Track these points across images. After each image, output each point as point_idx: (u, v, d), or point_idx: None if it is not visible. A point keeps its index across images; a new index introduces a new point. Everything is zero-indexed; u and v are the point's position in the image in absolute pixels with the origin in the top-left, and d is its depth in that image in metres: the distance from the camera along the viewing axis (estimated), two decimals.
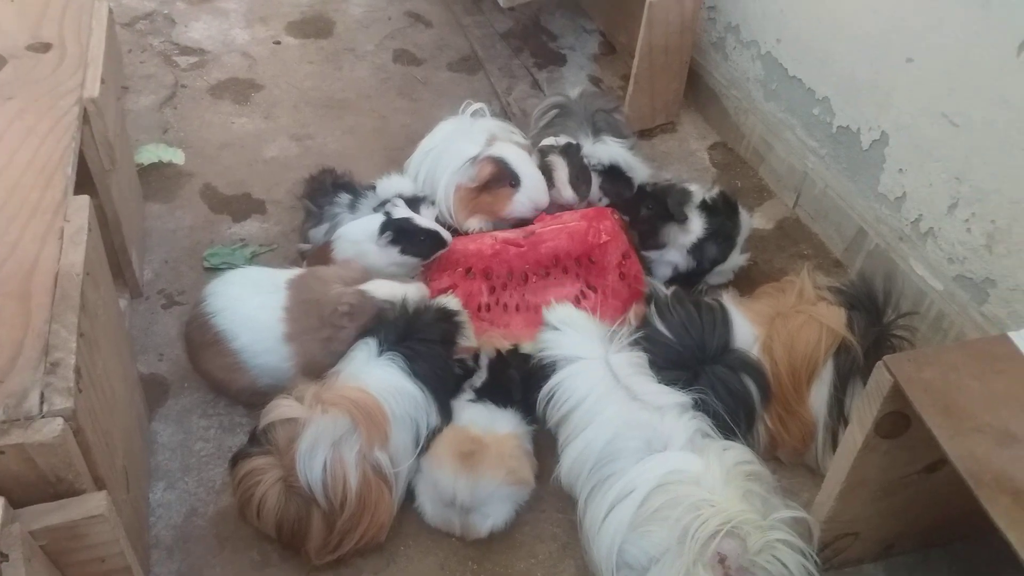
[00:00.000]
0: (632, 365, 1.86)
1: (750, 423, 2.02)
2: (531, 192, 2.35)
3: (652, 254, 2.44)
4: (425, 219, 2.23)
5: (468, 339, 2.07)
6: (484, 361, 2.06)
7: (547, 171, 2.41)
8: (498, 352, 2.05)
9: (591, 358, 1.87)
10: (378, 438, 1.77)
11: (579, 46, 3.55)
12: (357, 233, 2.23)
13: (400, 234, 2.19)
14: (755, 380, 2.00)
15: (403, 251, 2.20)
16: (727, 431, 1.90)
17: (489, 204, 2.37)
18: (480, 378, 2.03)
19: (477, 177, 2.35)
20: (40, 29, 2.17)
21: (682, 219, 2.36)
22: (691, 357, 1.99)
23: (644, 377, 1.85)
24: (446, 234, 2.23)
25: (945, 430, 1.38)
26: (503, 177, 2.34)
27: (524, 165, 2.36)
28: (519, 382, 1.98)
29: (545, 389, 1.88)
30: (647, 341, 2.01)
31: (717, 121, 3.15)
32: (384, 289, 2.07)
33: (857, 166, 2.54)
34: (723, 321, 2.04)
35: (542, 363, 1.92)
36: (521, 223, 2.37)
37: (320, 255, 2.31)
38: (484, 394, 1.98)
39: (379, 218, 2.21)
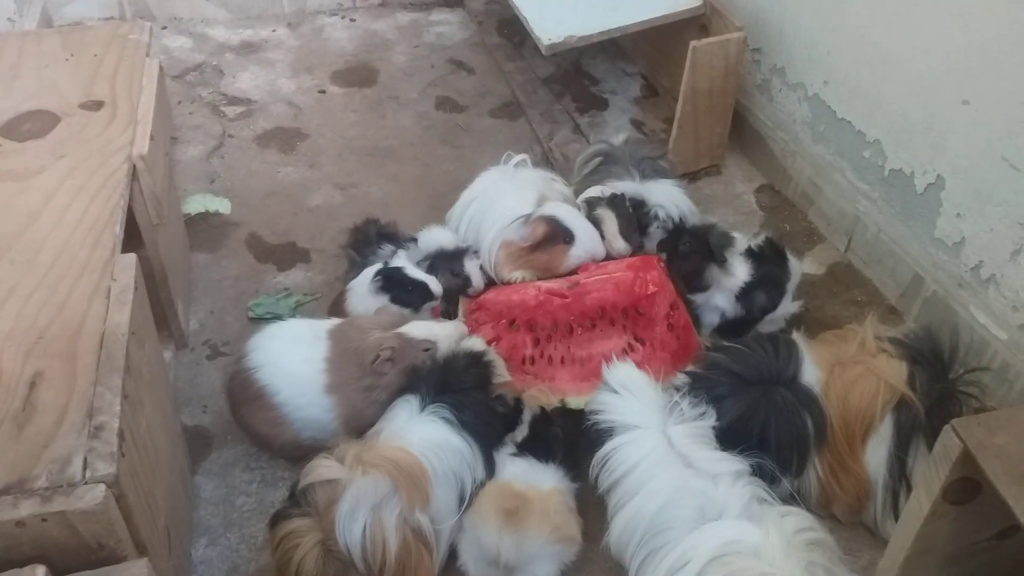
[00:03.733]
0: (691, 436, 1.79)
1: (802, 466, 1.95)
2: (586, 245, 2.36)
3: (698, 298, 2.38)
4: (418, 270, 2.26)
5: (502, 375, 2.06)
6: (527, 416, 2.01)
7: (595, 224, 2.40)
8: (542, 410, 2.02)
9: (648, 428, 1.82)
10: (419, 499, 1.73)
11: (621, 90, 3.54)
12: (361, 286, 2.27)
13: (389, 282, 2.22)
14: (813, 418, 1.94)
15: (392, 300, 2.22)
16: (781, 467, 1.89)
17: (545, 262, 2.37)
18: (522, 433, 1.98)
19: (530, 237, 2.35)
20: (93, 87, 2.22)
21: (722, 260, 2.31)
22: (765, 377, 1.96)
23: (701, 446, 1.78)
24: (435, 286, 2.25)
25: (1022, 501, 1.30)
26: (557, 235, 2.34)
27: (576, 220, 2.37)
28: (562, 441, 1.93)
29: (599, 455, 1.83)
30: (726, 353, 2.01)
31: (763, 164, 3.10)
32: (423, 330, 2.06)
33: (912, 210, 2.46)
34: (796, 355, 2.00)
35: (597, 426, 1.87)
36: (565, 273, 2.34)
37: (336, 306, 2.34)
38: (526, 449, 1.93)
39: (376, 268, 2.25)
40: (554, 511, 1.79)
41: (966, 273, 2.30)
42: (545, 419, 1.99)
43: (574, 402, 2.10)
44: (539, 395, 2.06)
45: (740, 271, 2.33)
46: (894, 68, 2.42)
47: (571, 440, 1.92)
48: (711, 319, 2.40)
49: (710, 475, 1.72)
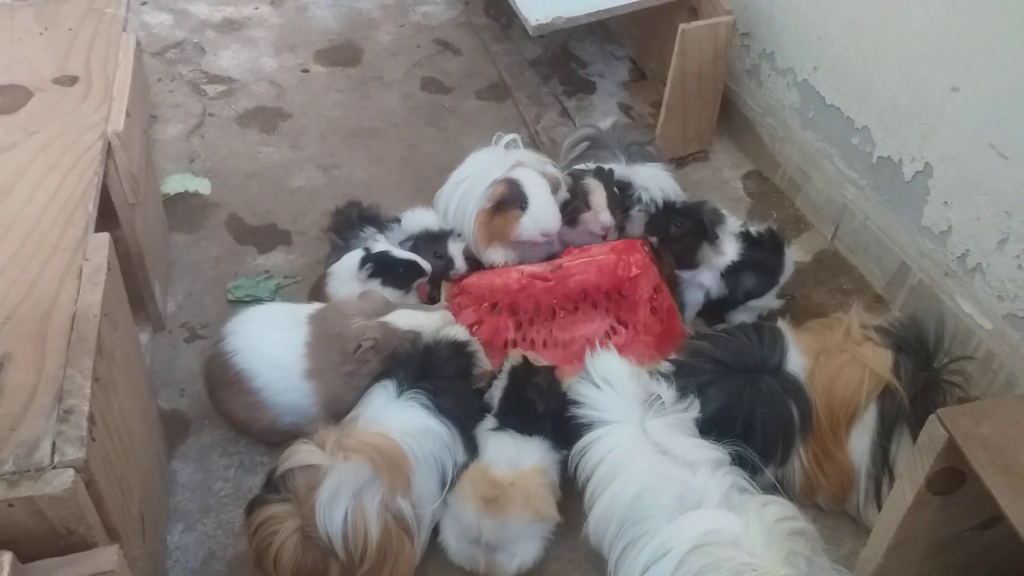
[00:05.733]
0: (669, 427, 1.77)
1: (786, 454, 1.95)
2: (537, 214, 2.27)
3: (685, 275, 2.37)
4: (402, 250, 2.26)
5: (484, 364, 2.03)
6: (506, 367, 1.98)
7: (582, 194, 2.35)
8: (524, 359, 1.98)
9: (627, 423, 1.80)
10: (400, 485, 1.71)
11: (609, 73, 3.50)
12: (344, 271, 2.24)
13: (379, 266, 2.20)
14: (799, 407, 1.93)
15: (384, 283, 2.21)
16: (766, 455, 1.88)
17: (501, 227, 2.31)
18: (499, 386, 1.95)
19: (491, 197, 2.30)
20: (67, 62, 2.16)
21: (714, 237, 2.30)
22: (749, 364, 1.95)
23: (679, 435, 1.76)
24: (424, 263, 2.24)
25: (1007, 491, 1.29)
26: (514, 199, 2.28)
27: (536, 189, 2.29)
28: (545, 390, 1.90)
29: (576, 448, 1.81)
30: (710, 341, 2.01)
31: (751, 149, 3.07)
32: (407, 319, 2.03)
33: (899, 198, 2.45)
34: (781, 342, 1.99)
35: (576, 420, 1.85)
36: (550, 257, 2.31)
37: (316, 290, 2.32)
38: (507, 421, 1.90)
39: (359, 254, 2.23)
40: (534, 495, 1.77)
41: (952, 262, 2.29)
42: (527, 369, 1.95)
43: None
44: (526, 353, 2.03)
45: (729, 249, 2.32)
46: (885, 54, 2.40)
47: (555, 394, 1.90)
48: (695, 297, 2.39)
49: (687, 463, 1.70)
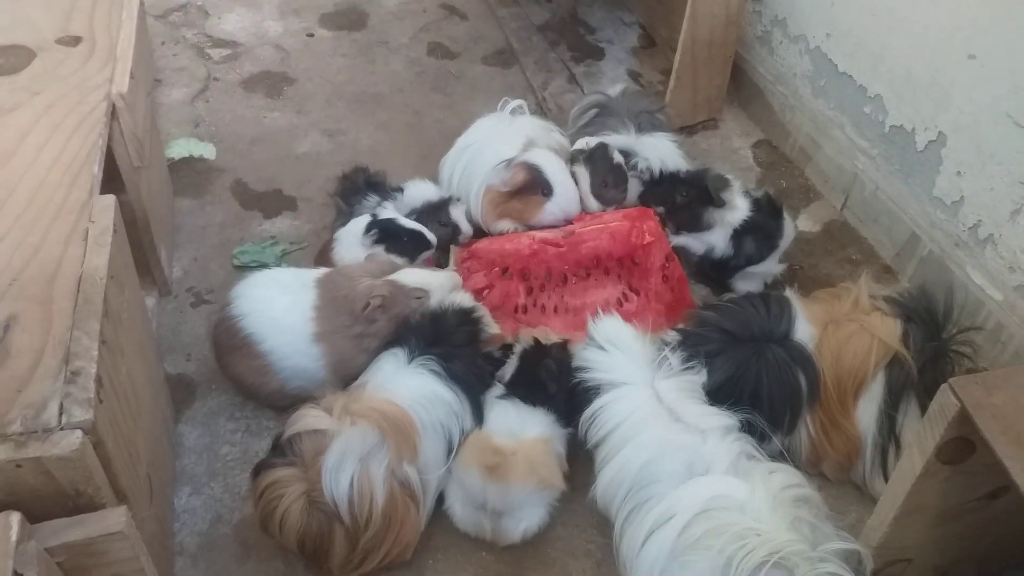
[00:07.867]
0: (680, 391, 1.77)
1: (794, 422, 1.94)
2: (563, 202, 2.30)
3: (679, 239, 2.35)
4: (410, 221, 2.25)
5: (491, 328, 2.02)
6: (517, 349, 1.97)
7: (573, 179, 2.35)
8: (536, 341, 1.97)
9: (636, 383, 1.79)
10: (407, 452, 1.70)
11: (618, 39, 3.45)
12: (350, 235, 2.24)
13: (385, 233, 2.20)
14: (807, 375, 1.92)
15: (388, 250, 2.20)
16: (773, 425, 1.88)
17: (519, 211, 2.32)
18: (510, 368, 1.95)
19: (510, 182, 2.29)
20: (70, 22, 2.13)
21: (720, 204, 2.29)
22: (756, 334, 1.94)
23: (690, 400, 1.76)
24: (430, 235, 2.23)
25: (1018, 462, 1.28)
26: (536, 185, 2.29)
27: (558, 174, 2.31)
28: (556, 372, 1.89)
29: (587, 413, 1.81)
30: (717, 311, 2.00)
31: (762, 118, 3.04)
32: (414, 277, 2.03)
33: (911, 167, 2.42)
34: (789, 312, 1.98)
35: (584, 384, 1.84)
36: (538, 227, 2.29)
37: (322, 255, 2.31)
38: (514, 391, 1.89)
39: (366, 219, 2.22)
40: (539, 462, 1.77)
41: (964, 232, 2.27)
42: (537, 351, 1.94)
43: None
44: (537, 333, 2.01)
45: (742, 204, 2.31)
46: (900, 20, 2.35)
47: (566, 375, 1.88)
48: (695, 248, 2.38)
49: (699, 430, 1.70)
